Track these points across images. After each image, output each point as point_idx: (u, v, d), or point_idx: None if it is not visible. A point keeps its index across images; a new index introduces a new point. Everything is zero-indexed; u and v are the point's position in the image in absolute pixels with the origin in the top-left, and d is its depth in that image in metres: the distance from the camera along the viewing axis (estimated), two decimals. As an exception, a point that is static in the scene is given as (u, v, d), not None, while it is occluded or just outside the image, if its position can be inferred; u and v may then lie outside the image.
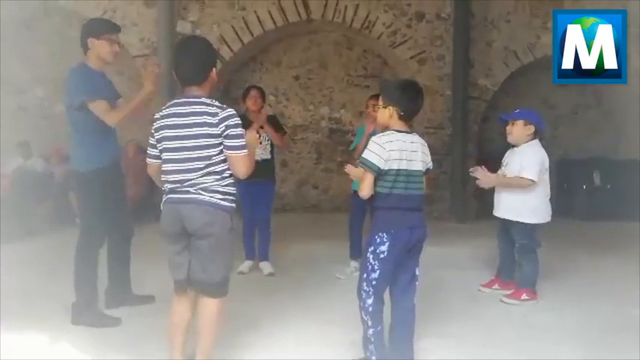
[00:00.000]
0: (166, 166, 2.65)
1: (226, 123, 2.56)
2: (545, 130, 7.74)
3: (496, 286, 4.31)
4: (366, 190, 2.78)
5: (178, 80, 2.72)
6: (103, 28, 3.61)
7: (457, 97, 7.55)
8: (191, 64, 2.67)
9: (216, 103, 2.63)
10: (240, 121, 2.64)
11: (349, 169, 3.03)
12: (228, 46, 7.42)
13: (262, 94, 4.91)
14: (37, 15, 7.79)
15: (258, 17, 7.42)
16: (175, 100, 2.70)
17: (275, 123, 4.92)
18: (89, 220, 3.57)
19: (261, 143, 4.63)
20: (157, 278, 3.82)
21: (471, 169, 4.28)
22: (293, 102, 8.40)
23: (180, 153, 2.59)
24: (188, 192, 2.58)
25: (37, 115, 8.07)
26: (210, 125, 2.56)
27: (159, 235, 2.78)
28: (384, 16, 7.55)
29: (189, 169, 2.58)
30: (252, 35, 7.45)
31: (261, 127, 4.68)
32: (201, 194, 2.57)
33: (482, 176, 4.16)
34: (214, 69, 2.74)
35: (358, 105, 8.18)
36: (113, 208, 3.65)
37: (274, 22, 7.45)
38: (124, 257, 3.85)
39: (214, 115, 2.57)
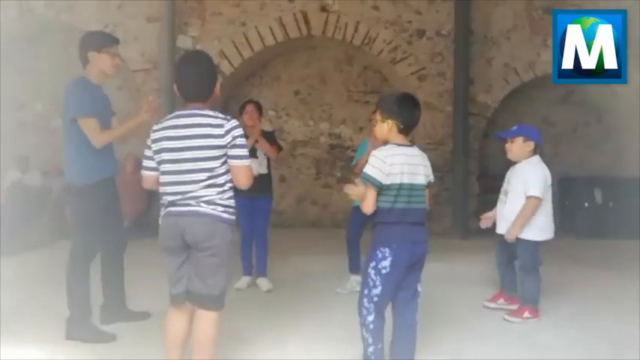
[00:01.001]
0: (166, 178, 2.61)
1: (232, 134, 2.57)
2: (546, 148, 7.76)
3: (501, 300, 4.24)
4: (369, 206, 2.73)
5: (181, 96, 2.69)
6: (103, 41, 3.60)
7: (458, 113, 7.55)
8: (196, 81, 2.66)
9: (220, 115, 2.63)
10: (243, 132, 2.64)
11: (348, 188, 2.98)
12: (229, 61, 7.44)
13: (259, 109, 4.89)
14: (38, 30, 7.81)
15: (258, 33, 7.45)
16: (177, 113, 2.67)
17: (271, 138, 4.90)
18: (80, 235, 3.52)
19: (257, 158, 4.61)
20: (153, 294, 3.77)
21: (482, 225, 4.25)
22: (293, 117, 8.39)
23: (182, 165, 2.56)
24: (189, 204, 2.55)
25: (36, 130, 8.06)
26: (216, 137, 2.54)
27: (156, 251, 2.73)
28: (385, 33, 7.59)
29: (190, 180, 2.55)
30: (253, 50, 7.48)
31: (256, 142, 4.66)
32: (202, 207, 2.54)
33: (508, 234, 3.97)
34: (218, 84, 2.74)
35: (358, 121, 8.19)
36: (107, 223, 3.59)
37: (275, 38, 7.49)
38: (118, 272, 3.79)
39: (220, 126, 2.56)
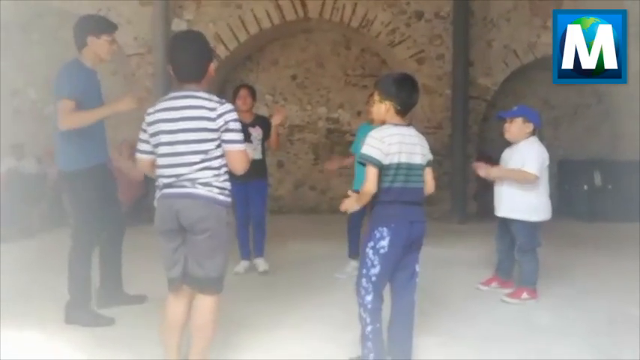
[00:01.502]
0: (162, 161, 2.57)
1: (225, 117, 2.52)
2: (546, 130, 7.72)
3: (494, 284, 4.27)
4: (371, 186, 2.68)
5: (175, 76, 2.64)
6: (103, 27, 3.56)
7: (457, 96, 7.49)
8: (190, 60, 2.60)
9: (215, 98, 2.58)
10: (237, 116, 2.59)
11: (345, 204, 2.88)
12: (225, 45, 7.36)
13: (252, 94, 4.83)
14: (31, 16, 7.72)
15: (254, 15, 7.36)
16: (172, 94, 2.62)
17: (266, 124, 4.85)
18: (80, 221, 3.50)
19: (251, 143, 4.56)
20: (149, 278, 3.75)
21: (474, 165, 4.23)
22: (290, 102, 8.32)
23: (177, 147, 2.52)
24: (184, 186, 2.52)
25: (30, 117, 8.00)
26: (209, 119, 2.50)
27: (152, 236, 2.70)
28: (383, 15, 7.50)
29: (185, 163, 2.51)
30: (249, 34, 7.39)
31: (252, 126, 4.60)
32: (198, 188, 2.51)
33: (485, 169, 4.10)
34: (212, 64, 2.69)
35: (356, 105, 8.13)
36: (104, 208, 3.56)
37: (271, 21, 7.40)
38: (116, 256, 3.78)
39: (213, 109, 2.52)
